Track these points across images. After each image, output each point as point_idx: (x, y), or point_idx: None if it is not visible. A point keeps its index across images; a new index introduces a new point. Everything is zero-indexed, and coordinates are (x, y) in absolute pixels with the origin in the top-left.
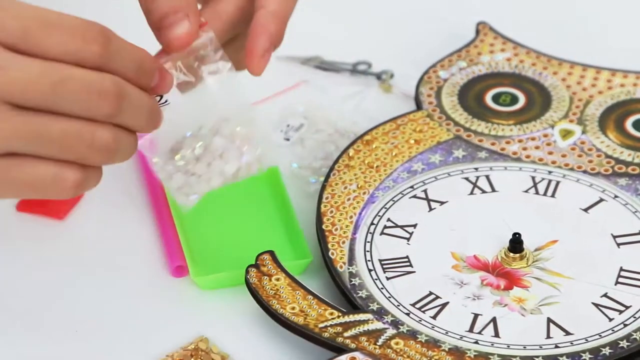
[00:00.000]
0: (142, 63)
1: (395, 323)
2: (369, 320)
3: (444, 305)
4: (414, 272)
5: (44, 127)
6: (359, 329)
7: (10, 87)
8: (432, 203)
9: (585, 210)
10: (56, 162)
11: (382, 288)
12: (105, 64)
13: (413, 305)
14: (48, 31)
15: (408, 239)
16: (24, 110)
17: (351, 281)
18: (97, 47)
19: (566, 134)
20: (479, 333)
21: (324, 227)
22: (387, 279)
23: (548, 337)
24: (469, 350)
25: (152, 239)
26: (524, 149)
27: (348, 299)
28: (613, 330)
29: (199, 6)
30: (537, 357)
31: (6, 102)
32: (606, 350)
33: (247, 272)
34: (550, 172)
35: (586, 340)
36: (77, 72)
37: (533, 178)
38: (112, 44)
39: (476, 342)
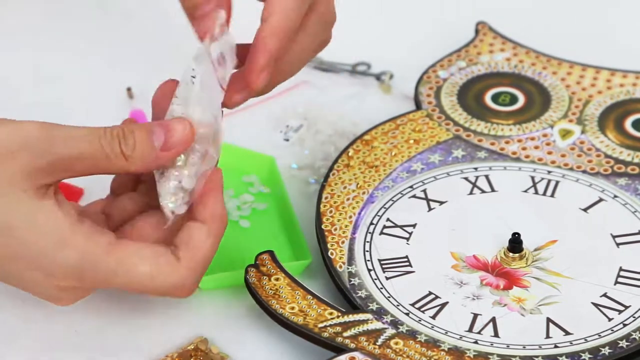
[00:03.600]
0: None
1: (395, 323)
2: (368, 320)
3: (444, 305)
4: (414, 272)
5: None
6: (358, 328)
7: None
8: (431, 203)
9: (585, 210)
10: None
11: (381, 288)
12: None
13: (412, 305)
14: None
15: (407, 239)
16: None
17: (350, 281)
18: (192, 289)
19: (565, 133)
20: (479, 333)
21: (323, 227)
22: (387, 278)
23: (547, 337)
24: (469, 350)
25: None
26: (524, 148)
27: (347, 298)
28: (612, 330)
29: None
30: (537, 357)
31: None
32: (605, 350)
33: (246, 272)
34: (549, 172)
35: (585, 340)
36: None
37: (532, 178)
38: (204, 271)
39: (476, 342)
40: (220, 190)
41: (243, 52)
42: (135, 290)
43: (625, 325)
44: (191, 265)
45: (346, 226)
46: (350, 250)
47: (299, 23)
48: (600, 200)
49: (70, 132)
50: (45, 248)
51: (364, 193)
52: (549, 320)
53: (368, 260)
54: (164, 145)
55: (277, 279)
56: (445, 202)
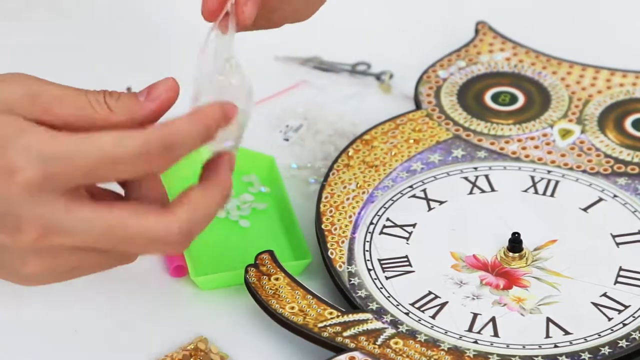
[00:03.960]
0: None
1: (395, 323)
2: (368, 319)
3: (443, 304)
4: (413, 271)
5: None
6: (358, 328)
7: (73, 243)
8: (431, 202)
9: (585, 209)
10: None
11: (381, 287)
12: (174, 210)
13: (412, 304)
14: (112, 166)
15: (407, 239)
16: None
17: (350, 281)
18: (162, 163)
19: (565, 133)
20: (478, 333)
21: (323, 226)
22: (387, 278)
23: (547, 336)
24: (468, 349)
25: None
26: (523, 148)
27: (347, 298)
28: (612, 330)
29: None
30: (537, 356)
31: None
32: (605, 350)
33: (246, 271)
34: (549, 172)
35: (585, 339)
36: (141, 229)
37: (532, 177)
38: (176, 149)
39: (475, 342)
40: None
41: None
42: (99, 165)
43: (625, 325)
44: (155, 130)
45: (346, 226)
46: (350, 250)
47: None
48: (600, 200)
49: (56, 86)
50: (6, 135)
51: (363, 193)
52: (548, 320)
53: (368, 260)
54: (147, 95)
55: (277, 279)
56: (445, 201)
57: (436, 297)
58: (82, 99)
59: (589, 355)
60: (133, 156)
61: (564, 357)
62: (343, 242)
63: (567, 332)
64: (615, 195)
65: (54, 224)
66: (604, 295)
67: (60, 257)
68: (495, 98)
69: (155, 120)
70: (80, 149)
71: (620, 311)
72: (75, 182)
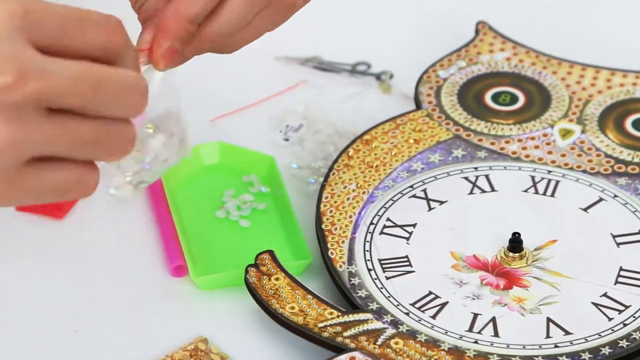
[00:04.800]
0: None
1: (395, 323)
2: (368, 319)
3: (444, 304)
4: (414, 271)
5: (78, 130)
6: (358, 328)
7: (49, 93)
8: (431, 202)
9: (585, 209)
10: (81, 164)
11: (381, 288)
12: (125, 54)
13: (412, 304)
14: (83, 28)
15: (407, 239)
16: (58, 113)
17: (350, 281)
18: (120, 37)
19: (566, 133)
20: (479, 333)
21: (323, 226)
22: (387, 278)
23: (547, 336)
24: (469, 350)
25: (152, 239)
26: (524, 148)
27: (347, 298)
28: (613, 330)
29: None
30: (537, 356)
31: (43, 107)
32: (606, 350)
33: (246, 271)
34: (549, 172)
35: (586, 339)
36: (112, 72)
37: (532, 177)
38: (125, 34)
39: (476, 342)
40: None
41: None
42: (69, 14)
43: (625, 325)
44: None
45: (346, 226)
46: (351, 250)
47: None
48: (601, 200)
49: None
50: None
51: (364, 193)
52: (549, 320)
53: (368, 260)
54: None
55: (277, 279)
56: (446, 201)
57: (436, 297)
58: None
59: (589, 356)
60: (103, 19)
61: (564, 357)
62: (343, 242)
63: (567, 332)
64: (615, 195)
65: (31, 66)
66: (605, 295)
67: (30, 127)
68: (495, 98)
69: None
70: (57, 5)
71: (620, 311)
72: (50, 32)
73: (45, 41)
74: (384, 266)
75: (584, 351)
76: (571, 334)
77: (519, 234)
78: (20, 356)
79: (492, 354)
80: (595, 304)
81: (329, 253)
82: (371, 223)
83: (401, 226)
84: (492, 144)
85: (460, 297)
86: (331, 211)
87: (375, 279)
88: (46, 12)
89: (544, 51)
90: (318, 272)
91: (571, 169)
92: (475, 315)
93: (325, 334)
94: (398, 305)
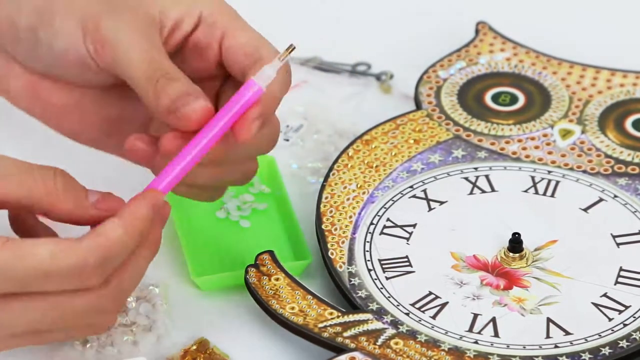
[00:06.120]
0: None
1: (395, 323)
2: (368, 320)
3: (444, 305)
4: (414, 272)
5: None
6: (358, 328)
7: (13, 328)
8: (431, 203)
9: (585, 210)
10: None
11: (381, 288)
12: (105, 285)
13: (412, 305)
14: (46, 280)
15: (407, 239)
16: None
17: (350, 281)
18: (96, 279)
19: (566, 133)
20: (479, 333)
21: (323, 227)
22: (387, 278)
23: (548, 337)
24: (469, 350)
25: None
26: (524, 148)
27: (347, 298)
28: (613, 330)
29: None
30: (537, 357)
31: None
32: (606, 350)
33: (246, 272)
34: (549, 172)
35: (586, 340)
36: (77, 302)
37: (532, 178)
38: (110, 263)
39: (476, 342)
40: (147, 206)
41: None
42: (33, 278)
43: (625, 325)
44: (92, 245)
45: (346, 226)
46: (351, 250)
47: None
48: (601, 200)
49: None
50: None
51: (364, 193)
52: (549, 320)
53: (368, 260)
54: (97, 202)
55: (277, 279)
56: (446, 202)
57: (436, 297)
58: (28, 180)
59: (589, 356)
60: (68, 272)
61: (564, 357)
62: (343, 242)
63: (567, 333)
64: (615, 196)
65: None
66: (605, 295)
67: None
68: (495, 98)
69: (94, 223)
70: (15, 264)
71: (620, 311)
72: (7, 290)
73: (8, 291)
74: (384, 266)
75: (584, 351)
76: (571, 334)
77: (519, 234)
78: (20, 356)
79: (492, 354)
80: (595, 304)
81: (329, 253)
82: (371, 223)
83: (401, 226)
84: (492, 144)
85: (460, 298)
86: (331, 211)
87: (375, 279)
88: (3, 270)
89: (544, 51)
90: (318, 272)
91: (571, 169)
92: (476, 316)
93: (325, 334)
94: (398, 305)
